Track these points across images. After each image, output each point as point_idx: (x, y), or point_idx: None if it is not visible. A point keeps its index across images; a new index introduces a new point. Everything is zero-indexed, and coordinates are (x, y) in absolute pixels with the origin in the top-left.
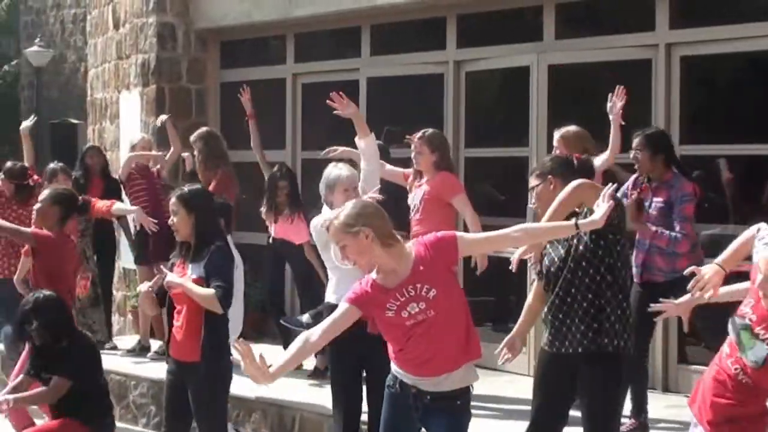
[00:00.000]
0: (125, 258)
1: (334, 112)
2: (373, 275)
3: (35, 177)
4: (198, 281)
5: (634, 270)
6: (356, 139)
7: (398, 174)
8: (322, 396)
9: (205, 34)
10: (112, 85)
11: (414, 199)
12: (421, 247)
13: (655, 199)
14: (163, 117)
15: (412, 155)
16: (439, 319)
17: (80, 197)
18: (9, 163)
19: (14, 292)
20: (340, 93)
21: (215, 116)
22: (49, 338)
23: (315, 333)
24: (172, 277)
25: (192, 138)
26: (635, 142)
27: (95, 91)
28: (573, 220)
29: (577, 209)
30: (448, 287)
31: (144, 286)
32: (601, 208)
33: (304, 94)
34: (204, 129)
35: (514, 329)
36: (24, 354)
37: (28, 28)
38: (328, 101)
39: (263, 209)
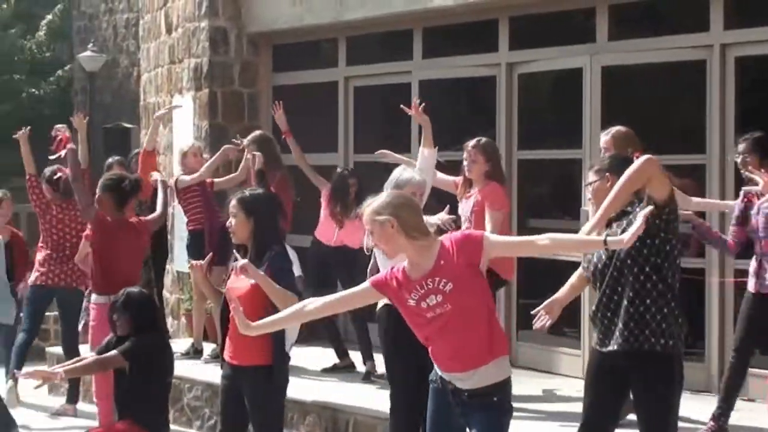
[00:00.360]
0: (178, 261)
1: (406, 113)
2: (405, 264)
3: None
4: (257, 286)
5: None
6: (420, 148)
7: (449, 183)
8: (376, 399)
9: (257, 37)
10: (165, 90)
11: (464, 210)
12: (447, 242)
13: (762, 207)
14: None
15: (465, 163)
16: (455, 313)
17: (127, 179)
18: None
19: (75, 301)
20: (418, 100)
21: (267, 120)
22: (131, 331)
23: (317, 302)
24: (253, 270)
25: (246, 141)
26: (741, 146)
27: (148, 96)
28: (603, 236)
29: (623, 211)
30: (467, 283)
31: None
32: (633, 227)
33: (356, 97)
34: (258, 132)
35: (555, 295)
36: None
37: (81, 33)
38: (402, 106)
39: (337, 209)
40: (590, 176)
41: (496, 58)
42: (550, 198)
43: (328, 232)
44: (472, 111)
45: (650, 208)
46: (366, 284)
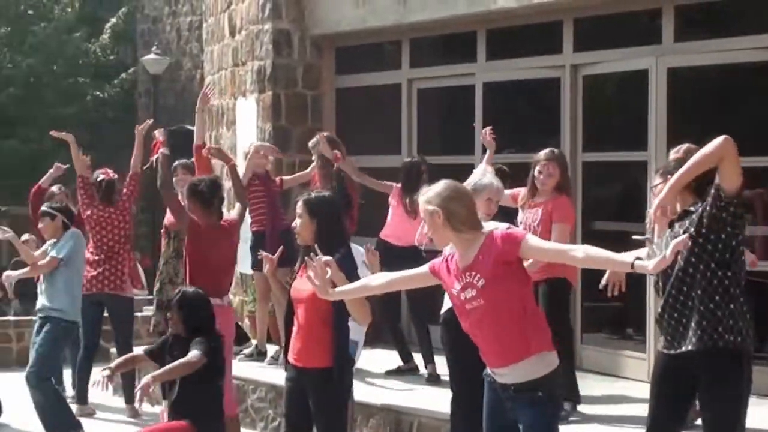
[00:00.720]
0: (242, 263)
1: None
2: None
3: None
4: None
5: None
6: (483, 163)
7: (507, 198)
8: (439, 401)
9: (321, 40)
10: (229, 92)
11: (529, 219)
12: (490, 238)
13: None
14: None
15: (539, 175)
16: (488, 309)
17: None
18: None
19: (121, 308)
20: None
21: (330, 122)
22: (185, 332)
23: (381, 278)
24: (335, 268)
25: (311, 143)
26: None
27: (211, 98)
28: (631, 259)
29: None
30: (499, 281)
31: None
32: (664, 252)
33: (420, 99)
34: (323, 134)
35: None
36: None
37: (144, 36)
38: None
39: (407, 200)
40: (656, 179)
41: (561, 60)
42: (614, 201)
43: (397, 231)
44: (535, 113)
45: (685, 237)
46: (425, 267)
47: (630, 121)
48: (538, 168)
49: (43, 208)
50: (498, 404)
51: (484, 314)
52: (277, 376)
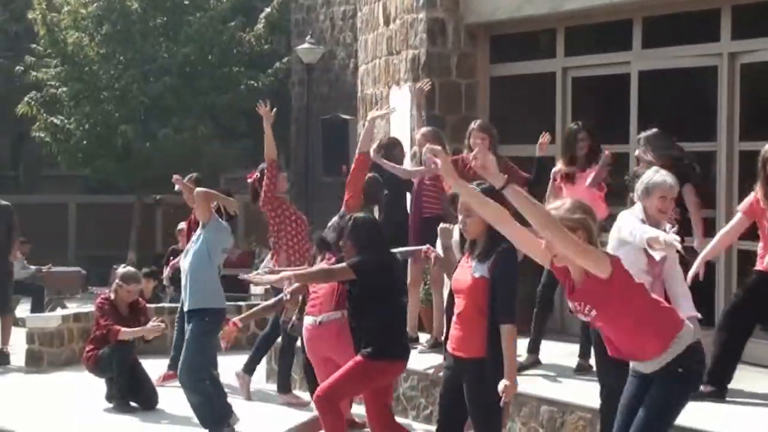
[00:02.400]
0: None
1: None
2: None
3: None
4: (481, 281)
5: None
6: None
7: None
8: (591, 393)
9: (475, 28)
10: (383, 81)
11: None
12: None
13: None
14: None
15: None
16: (601, 320)
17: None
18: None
19: None
20: None
21: (485, 110)
22: (356, 256)
23: (515, 224)
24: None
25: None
26: None
27: (365, 87)
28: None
29: None
30: (599, 298)
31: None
32: None
33: (574, 87)
34: (480, 121)
35: None
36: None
37: (298, 25)
38: None
39: (559, 167)
40: None
41: (718, 48)
42: None
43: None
44: (692, 102)
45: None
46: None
47: None
48: None
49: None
50: (635, 401)
51: (602, 325)
52: (429, 364)
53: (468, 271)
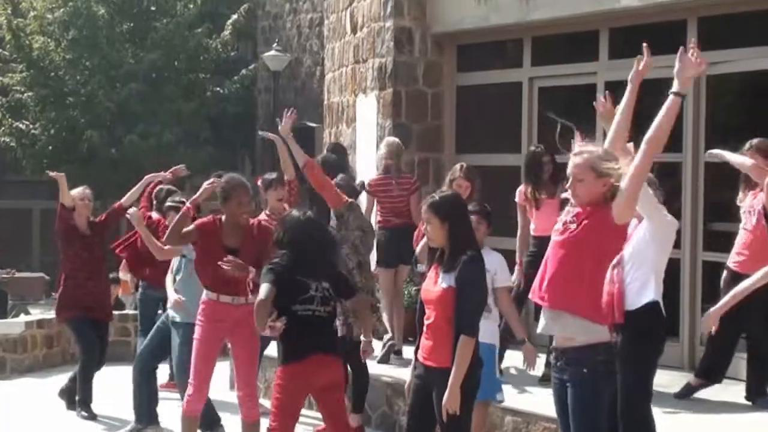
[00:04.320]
0: None
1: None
2: None
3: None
4: (448, 291)
5: None
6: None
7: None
8: None
9: (442, 37)
10: (349, 89)
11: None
12: None
13: None
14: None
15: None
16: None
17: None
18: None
19: None
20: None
21: (451, 119)
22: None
23: None
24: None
25: None
26: None
27: (332, 95)
28: None
29: None
30: None
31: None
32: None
33: (541, 97)
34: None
35: None
36: None
37: (265, 32)
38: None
39: (525, 191)
40: None
41: None
42: None
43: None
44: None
45: None
46: None
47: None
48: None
49: (168, 203)
50: (564, 404)
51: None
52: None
53: (436, 281)
